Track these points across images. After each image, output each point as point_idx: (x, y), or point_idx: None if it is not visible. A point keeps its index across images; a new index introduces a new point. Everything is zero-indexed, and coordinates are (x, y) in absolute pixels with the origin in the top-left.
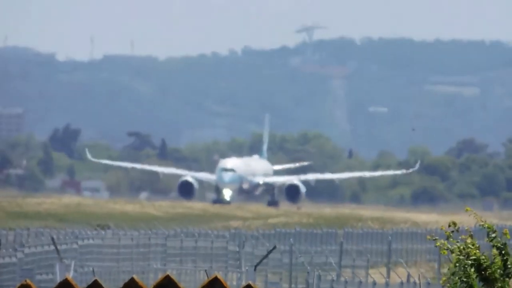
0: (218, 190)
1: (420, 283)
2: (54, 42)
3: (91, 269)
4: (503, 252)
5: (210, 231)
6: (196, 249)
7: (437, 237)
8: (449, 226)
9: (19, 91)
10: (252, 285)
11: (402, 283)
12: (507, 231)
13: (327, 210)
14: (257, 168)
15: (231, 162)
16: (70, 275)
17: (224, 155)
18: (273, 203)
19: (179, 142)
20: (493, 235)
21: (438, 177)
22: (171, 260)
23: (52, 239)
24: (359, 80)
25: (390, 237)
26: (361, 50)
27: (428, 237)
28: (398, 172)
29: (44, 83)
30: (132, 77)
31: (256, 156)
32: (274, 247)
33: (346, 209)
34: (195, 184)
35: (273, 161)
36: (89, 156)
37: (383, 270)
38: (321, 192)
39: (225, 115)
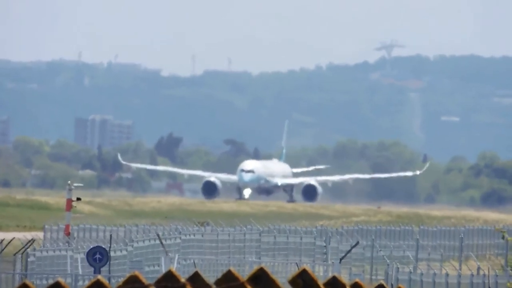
0: (239, 189)
1: (489, 275)
2: (159, 60)
3: (192, 261)
4: None
5: (299, 228)
6: (287, 244)
7: (505, 230)
8: None
9: (129, 104)
10: (338, 276)
11: (472, 274)
12: None
13: (404, 209)
14: (275, 170)
15: (250, 164)
16: (173, 267)
17: (312, 161)
18: (291, 201)
19: (270, 149)
20: None
21: (506, 180)
22: (264, 254)
23: (158, 235)
24: (433, 93)
25: (462, 234)
26: (434, 65)
27: (497, 228)
28: (409, 173)
29: (150, 96)
30: (229, 91)
31: (275, 160)
32: (357, 243)
33: (421, 209)
34: (219, 184)
35: (355, 168)
36: (120, 159)
37: (456, 263)
38: (399, 193)
39: (312, 124)
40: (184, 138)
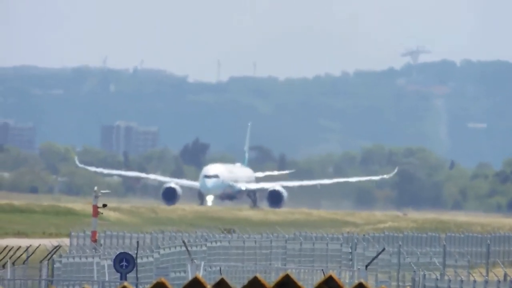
0: (201, 195)
1: None
2: (185, 66)
3: (218, 268)
4: None
5: (325, 234)
6: (313, 250)
7: None
8: None
9: (154, 110)
10: (364, 283)
11: (499, 281)
12: None
13: (431, 216)
14: (239, 174)
15: (214, 168)
16: (200, 274)
17: (338, 167)
18: (255, 207)
19: (296, 155)
20: None
21: None
22: (290, 261)
23: (184, 242)
24: (459, 99)
25: (489, 241)
26: (461, 71)
27: None
28: (377, 177)
29: (176, 102)
30: (254, 97)
31: (238, 164)
32: (383, 249)
33: (448, 216)
34: (179, 190)
35: (381, 173)
36: (77, 162)
37: (483, 270)
38: (425, 200)
39: (338, 130)
40: (211, 144)
